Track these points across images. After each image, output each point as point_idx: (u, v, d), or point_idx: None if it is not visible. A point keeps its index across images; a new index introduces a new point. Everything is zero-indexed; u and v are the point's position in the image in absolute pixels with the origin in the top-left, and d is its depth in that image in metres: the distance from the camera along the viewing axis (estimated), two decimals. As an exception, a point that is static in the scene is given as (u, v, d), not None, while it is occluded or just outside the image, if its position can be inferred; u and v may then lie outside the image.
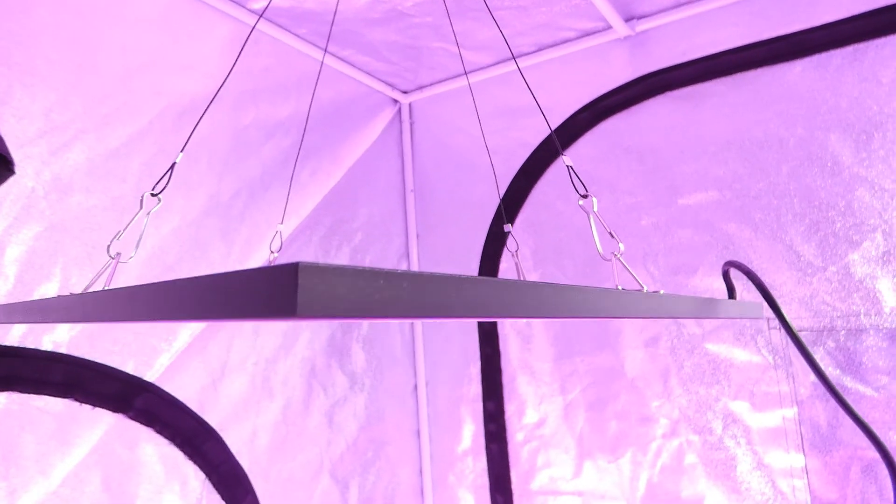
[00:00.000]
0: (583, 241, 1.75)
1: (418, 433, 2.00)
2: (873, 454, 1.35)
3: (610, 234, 0.72)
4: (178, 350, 1.32)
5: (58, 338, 1.12)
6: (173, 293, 0.32)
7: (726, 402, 1.53)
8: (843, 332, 1.39)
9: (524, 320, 1.84)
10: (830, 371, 1.40)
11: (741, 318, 0.69)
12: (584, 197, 0.67)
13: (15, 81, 1.11)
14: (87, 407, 1.15)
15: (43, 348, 1.10)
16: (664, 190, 1.64)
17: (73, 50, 1.20)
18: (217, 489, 1.36)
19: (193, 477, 1.32)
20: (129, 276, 1.20)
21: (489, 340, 1.90)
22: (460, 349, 1.98)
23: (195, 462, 1.33)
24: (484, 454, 1.89)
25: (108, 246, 0.66)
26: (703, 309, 0.61)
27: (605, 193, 1.72)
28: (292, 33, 1.65)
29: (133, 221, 0.69)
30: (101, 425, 1.17)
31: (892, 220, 1.34)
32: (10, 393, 1.05)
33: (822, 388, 1.41)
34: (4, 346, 1.04)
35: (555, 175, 1.82)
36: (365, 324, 1.85)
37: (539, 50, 1.82)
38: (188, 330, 1.34)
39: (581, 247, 1.76)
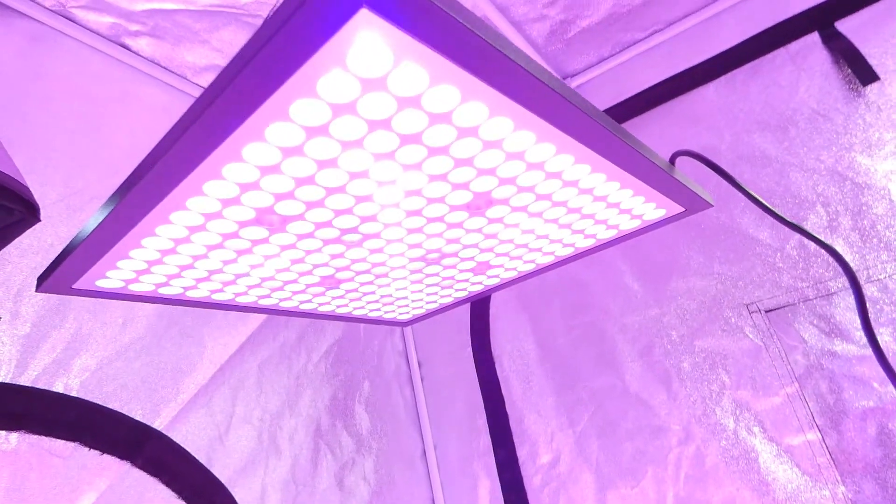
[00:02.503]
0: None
1: (433, 501, 1.90)
2: (881, 407, 1.37)
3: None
4: (184, 400, 1.32)
5: (70, 381, 1.14)
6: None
7: (730, 394, 1.55)
8: (815, 300, 1.48)
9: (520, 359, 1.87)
10: (821, 339, 1.46)
11: (695, 196, 0.78)
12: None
13: (38, 155, 1.25)
14: (96, 453, 1.14)
15: (54, 390, 1.11)
16: (626, 212, 1.80)
17: (88, 131, 1.37)
18: (229, 551, 1.28)
19: (203, 536, 1.25)
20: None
21: (490, 387, 1.91)
22: (464, 403, 1.96)
23: (205, 520, 1.27)
24: (504, 510, 1.80)
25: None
26: (664, 164, 0.70)
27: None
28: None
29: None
30: (108, 473, 1.14)
31: (827, 192, 1.50)
32: (21, 433, 1.04)
33: (814, 358, 1.46)
34: (17, 385, 1.06)
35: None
36: (366, 385, 1.86)
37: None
38: (193, 380, 1.36)
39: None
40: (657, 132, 1.78)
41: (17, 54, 1.30)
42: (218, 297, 0.87)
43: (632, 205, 0.80)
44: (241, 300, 0.90)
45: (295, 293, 0.90)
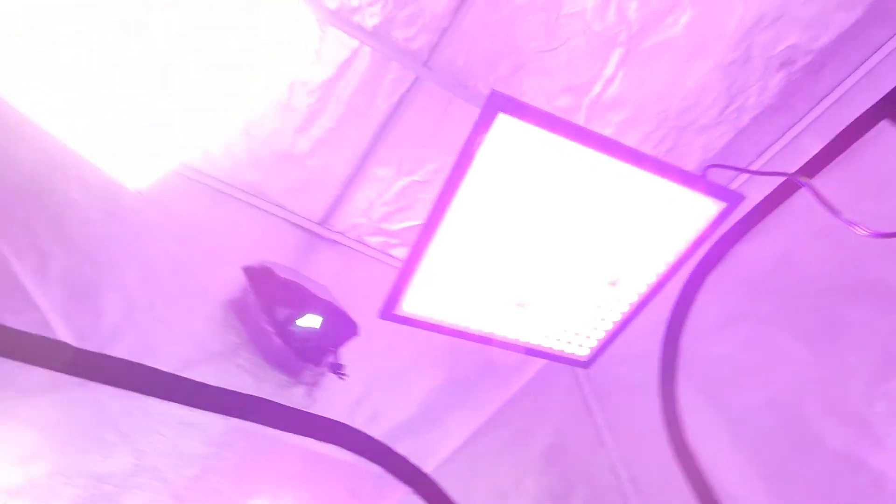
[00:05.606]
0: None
1: None
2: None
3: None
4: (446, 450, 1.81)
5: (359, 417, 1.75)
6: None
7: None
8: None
9: None
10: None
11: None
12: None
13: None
14: (391, 477, 1.66)
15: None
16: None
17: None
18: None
19: None
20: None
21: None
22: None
23: None
24: None
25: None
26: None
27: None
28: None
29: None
30: (391, 493, 1.64)
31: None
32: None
33: None
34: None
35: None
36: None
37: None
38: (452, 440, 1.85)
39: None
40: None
41: (291, 249, 2.16)
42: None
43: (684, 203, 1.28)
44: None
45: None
